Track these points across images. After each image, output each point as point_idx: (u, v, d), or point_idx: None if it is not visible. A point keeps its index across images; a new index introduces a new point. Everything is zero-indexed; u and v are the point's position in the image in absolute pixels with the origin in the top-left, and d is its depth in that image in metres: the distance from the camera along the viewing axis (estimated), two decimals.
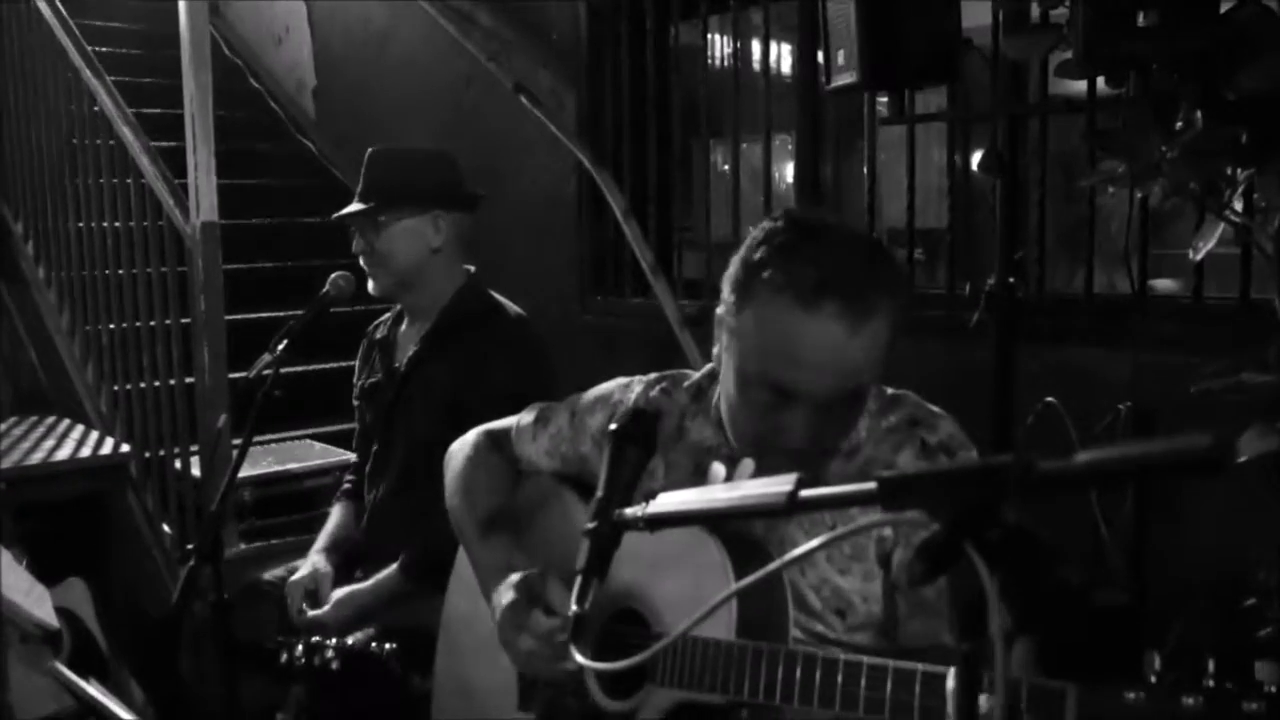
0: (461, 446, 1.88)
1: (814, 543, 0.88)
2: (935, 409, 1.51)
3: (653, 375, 1.69)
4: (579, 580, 1.11)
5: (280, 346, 2.32)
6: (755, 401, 1.39)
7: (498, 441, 1.85)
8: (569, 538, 1.65)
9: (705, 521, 1.34)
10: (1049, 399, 2.49)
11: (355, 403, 2.68)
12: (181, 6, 3.20)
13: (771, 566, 0.93)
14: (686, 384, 1.64)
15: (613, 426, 1.26)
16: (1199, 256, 2.13)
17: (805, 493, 0.86)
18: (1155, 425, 2.32)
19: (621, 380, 1.73)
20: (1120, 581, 2.32)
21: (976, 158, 3.35)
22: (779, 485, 0.88)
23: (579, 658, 1.04)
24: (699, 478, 1.51)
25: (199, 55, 3.13)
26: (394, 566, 2.33)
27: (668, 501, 1.03)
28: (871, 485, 0.79)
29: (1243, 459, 1.94)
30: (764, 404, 1.38)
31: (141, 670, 3.04)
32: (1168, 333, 2.65)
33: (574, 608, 1.10)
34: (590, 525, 1.14)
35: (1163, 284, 3.25)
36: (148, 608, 3.48)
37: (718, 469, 1.38)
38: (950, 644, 1.32)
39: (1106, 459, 0.66)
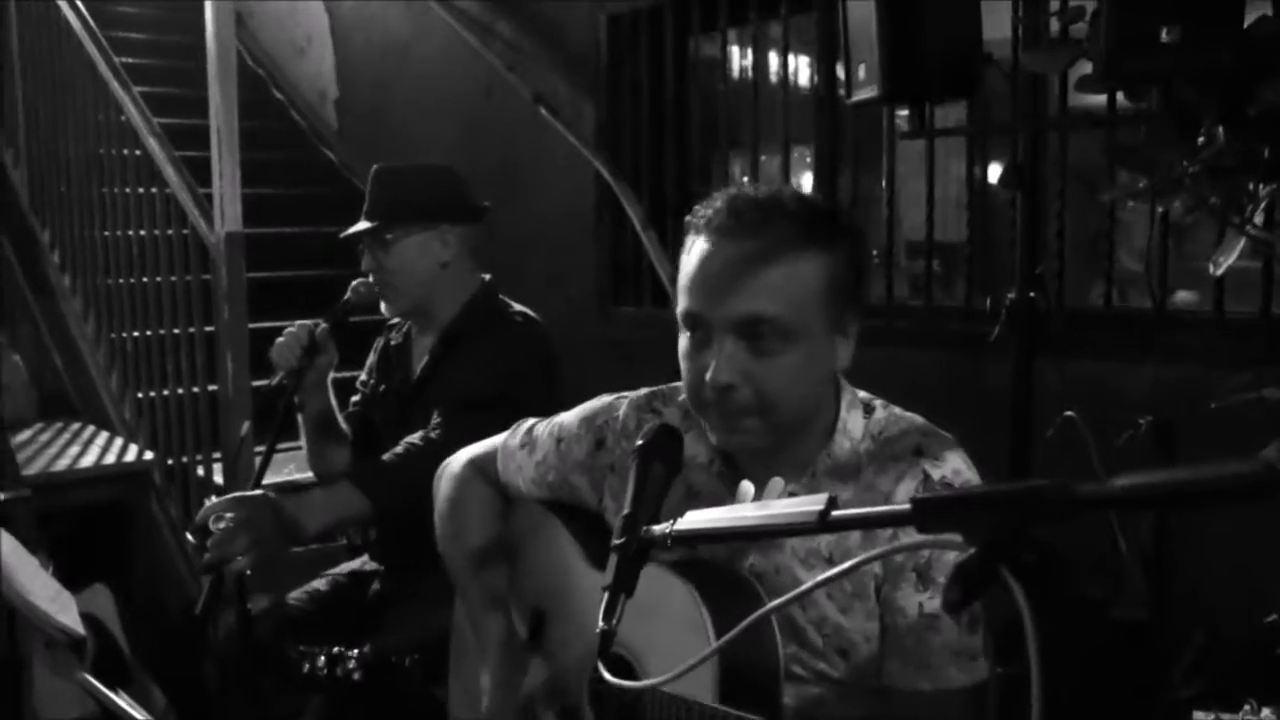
0: (447, 476, 1.82)
1: (811, 582, 0.88)
2: (945, 437, 1.44)
3: (642, 393, 1.62)
4: (606, 597, 1.12)
5: (302, 354, 2.35)
6: (687, 351, 1.39)
7: (483, 469, 1.78)
8: (557, 568, 1.64)
9: (734, 539, 1.34)
10: (1069, 413, 2.48)
11: (354, 404, 2.68)
12: (208, 19, 3.23)
13: (750, 619, 0.93)
14: (680, 399, 1.56)
15: (639, 442, 1.26)
16: (1220, 271, 2.13)
17: (837, 513, 0.86)
18: (1176, 440, 2.32)
19: (605, 399, 1.65)
20: (1139, 596, 2.31)
21: (994, 171, 3.36)
22: (809, 505, 0.89)
23: (606, 674, 1.05)
24: (692, 499, 1.47)
25: (225, 67, 3.16)
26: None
27: (695, 519, 1.04)
28: (906, 507, 0.79)
29: None
30: (691, 348, 1.38)
31: (164, 677, 3.06)
32: (1188, 347, 2.65)
33: (601, 624, 1.10)
34: (617, 542, 1.15)
35: (1181, 296, 3.24)
36: (171, 614, 3.50)
37: (746, 487, 1.38)
38: (927, 690, 1.32)
39: (1145, 485, 0.67)
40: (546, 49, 4.30)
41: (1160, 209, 2.48)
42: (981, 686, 1.32)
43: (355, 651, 2.03)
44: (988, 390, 2.63)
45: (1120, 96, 2.63)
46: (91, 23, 3.96)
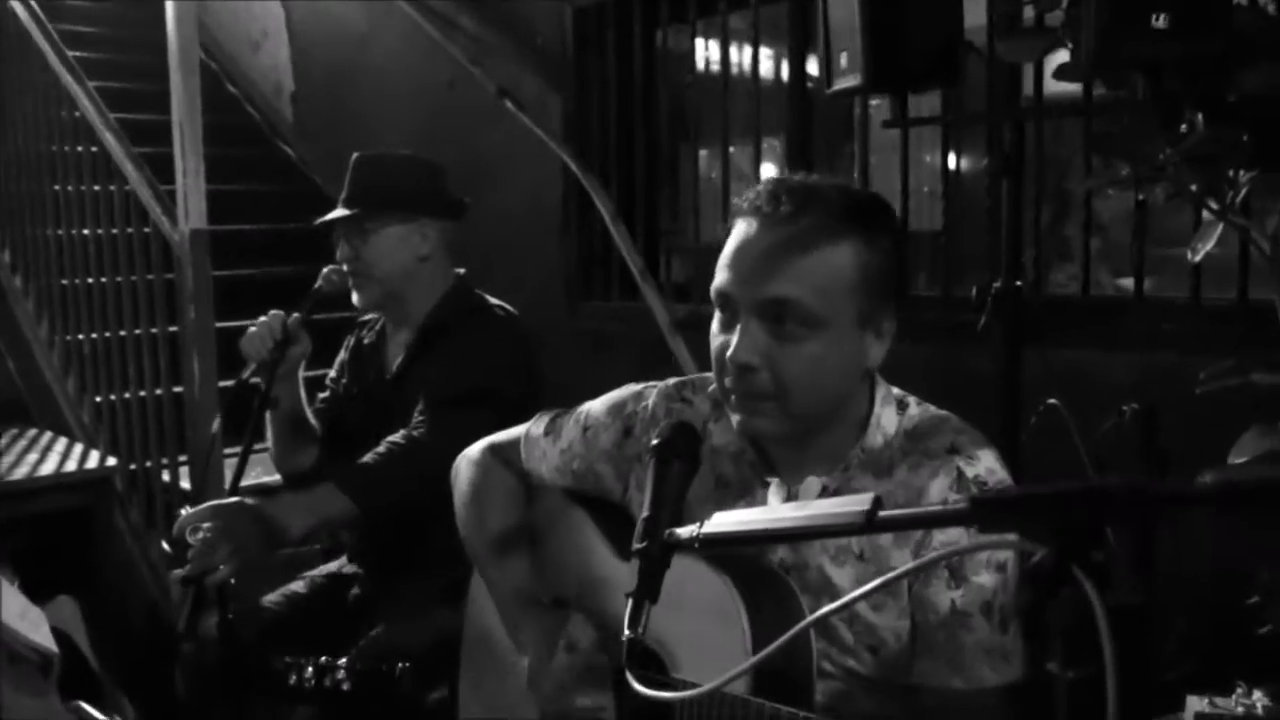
0: (468, 463, 1.80)
1: (858, 591, 0.86)
2: (978, 435, 1.43)
3: (671, 382, 1.60)
4: (630, 604, 1.08)
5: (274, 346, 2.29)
6: (715, 328, 1.40)
7: (505, 456, 1.77)
8: (581, 559, 1.62)
9: (764, 543, 1.31)
10: (1051, 401, 2.48)
11: (322, 401, 2.62)
12: (169, 13, 3.15)
13: (797, 628, 0.91)
14: (710, 389, 1.55)
15: (654, 441, 1.22)
16: (1198, 258, 2.13)
17: (885, 513, 0.83)
18: (1160, 427, 2.32)
19: (634, 388, 1.64)
20: (1130, 582, 2.32)
21: (965, 161, 3.37)
22: (853, 505, 0.86)
23: (635, 684, 1.01)
24: (722, 489, 1.46)
25: (187, 60, 3.08)
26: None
27: (725, 521, 1.00)
28: (962, 505, 0.76)
29: (1242, 460, 1.95)
30: (718, 326, 1.39)
31: (133, 688, 2.98)
32: (1166, 333, 2.66)
33: (627, 632, 1.06)
34: (639, 545, 1.11)
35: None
36: (137, 624, 3.42)
37: (776, 489, 1.34)
38: (960, 688, 1.31)
39: (1228, 485, 0.64)
40: (511, 42, 4.25)
41: (1140, 197, 2.50)
42: (1013, 688, 1.30)
43: (343, 661, 1.98)
44: (968, 379, 2.62)
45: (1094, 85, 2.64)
46: (41, 14, 3.85)
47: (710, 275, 1.41)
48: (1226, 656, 2.06)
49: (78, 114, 3.66)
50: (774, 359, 1.33)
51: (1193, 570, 2.37)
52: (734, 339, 1.34)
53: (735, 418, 1.39)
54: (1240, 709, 1.93)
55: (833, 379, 1.37)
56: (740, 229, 1.38)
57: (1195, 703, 1.95)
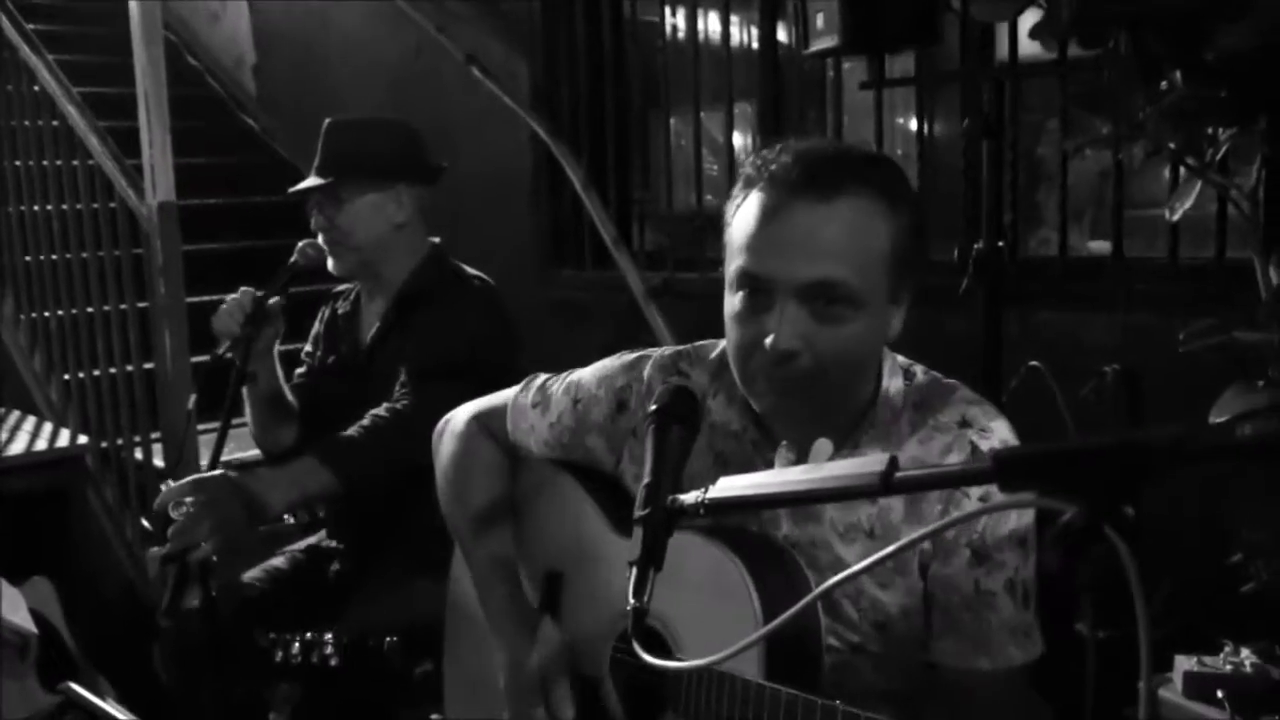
0: (450, 433, 1.73)
1: (867, 561, 0.84)
2: (989, 405, 1.38)
3: (667, 352, 1.54)
4: (635, 573, 1.05)
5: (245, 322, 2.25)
6: (740, 311, 1.30)
7: (489, 426, 1.69)
8: (573, 529, 1.59)
9: (775, 506, 1.29)
10: (1033, 363, 2.48)
11: (299, 375, 2.58)
12: None
13: (805, 600, 0.89)
14: (709, 358, 1.49)
15: (653, 407, 1.19)
16: (1176, 216, 2.13)
17: (902, 473, 0.81)
18: (1144, 386, 2.32)
19: (626, 357, 1.56)
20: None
21: (935, 124, 3.34)
22: (868, 466, 0.84)
23: (643, 654, 0.99)
24: (720, 467, 1.41)
25: (150, 31, 2.99)
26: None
27: (733, 485, 0.98)
28: (984, 464, 0.74)
29: (1223, 419, 1.95)
30: (746, 309, 1.30)
31: (110, 667, 2.95)
32: (1145, 294, 2.66)
33: (632, 601, 1.04)
34: (642, 513, 1.08)
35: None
36: (115, 604, 3.38)
37: (786, 454, 1.32)
38: (986, 669, 1.28)
39: (1272, 434, 0.63)
40: (476, 8, 4.19)
41: (1119, 156, 2.49)
42: (1034, 664, 1.30)
43: (329, 636, 1.96)
44: (949, 343, 2.61)
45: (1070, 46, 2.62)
46: None
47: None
48: (1212, 616, 2.08)
49: (37, 88, 3.57)
50: (814, 342, 1.27)
51: (1179, 530, 2.39)
52: (771, 325, 1.26)
53: (761, 402, 1.34)
54: (1228, 667, 1.95)
55: (867, 357, 1.33)
56: (765, 203, 1.29)
57: (1183, 662, 1.96)
